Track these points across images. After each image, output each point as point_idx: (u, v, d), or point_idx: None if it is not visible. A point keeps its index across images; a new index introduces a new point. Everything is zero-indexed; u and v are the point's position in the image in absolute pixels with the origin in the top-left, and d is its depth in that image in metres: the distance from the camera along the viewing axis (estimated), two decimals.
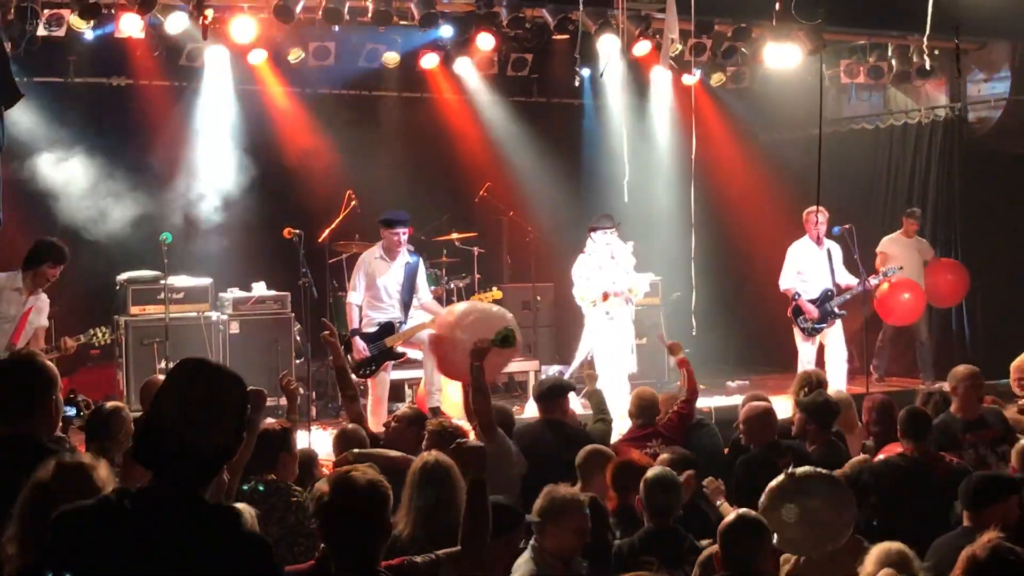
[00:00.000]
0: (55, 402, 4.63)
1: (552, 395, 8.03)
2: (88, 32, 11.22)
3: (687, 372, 8.72)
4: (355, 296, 10.98)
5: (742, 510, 5.25)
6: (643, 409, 8.28)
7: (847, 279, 12.08)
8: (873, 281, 12.10)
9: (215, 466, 3.10)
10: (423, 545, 4.72)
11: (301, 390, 9.45)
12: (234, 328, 12.05)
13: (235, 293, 12.28)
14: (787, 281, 12.19)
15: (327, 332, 8.48)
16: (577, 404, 9.79)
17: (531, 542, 5.38)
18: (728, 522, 5.08)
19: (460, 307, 9.05)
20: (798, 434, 7.60)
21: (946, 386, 8.37)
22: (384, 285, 10.98)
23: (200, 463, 3.03)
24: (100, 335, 9.84)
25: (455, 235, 13.41)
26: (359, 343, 10.74)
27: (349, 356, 10.94)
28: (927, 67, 13.36)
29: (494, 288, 12.37)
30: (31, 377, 4.52)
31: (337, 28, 11.98)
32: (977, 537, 4.76)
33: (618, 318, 11.61)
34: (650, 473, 6.05)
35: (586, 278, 11.63)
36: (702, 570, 5.24)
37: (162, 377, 7.90)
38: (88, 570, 2.93)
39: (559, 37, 12.48)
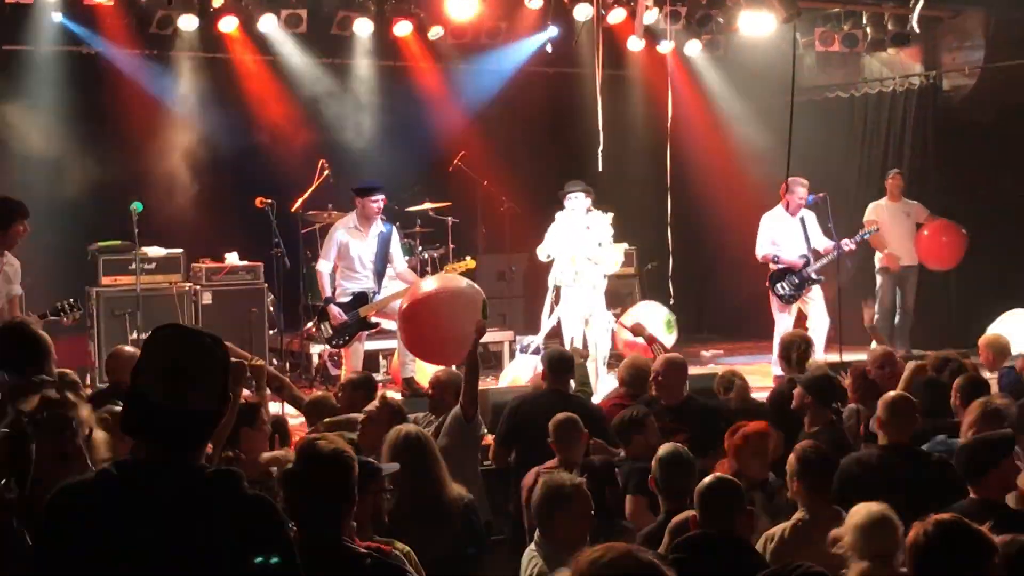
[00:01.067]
0: (50, 372, 4.58)
1: (561, 366, 7.99)
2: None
3: (658, 346, 8.70)
4: (324, 265, 10.93)
5: (720, 473, 5.26)
6: (635, 377, 8.22)
7: (824, 244, 12.04)
8: (849, 245, 12.03)
9: (205, 431, 3.05)
10: (400, 516, 4.69)
11: (275, 360, 9.48)
12: (206, 299, 11.97)
13: (207, 263, 12.20)
14: (763, 248, 12.15)
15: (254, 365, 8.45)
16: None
17: (535, 535, 5.31)
18: (706, 483, 5.11)
19: (429, 285, 9.02)
20: (797, 407, 7.46)
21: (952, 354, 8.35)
22: (359, 255, 10.92)
23: (189, 429, 2.99)
24: (67, 310, 9.71)
25: (429, 205, 13.34)
26: (334, 309, 10.69)
27: (325, 324, 10.89)
28: (914, 27, 13.25)
29: (467, 257, 12.31)
30: (23, 348, 4.46)
31: None
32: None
33: (585, 284, 11.49)
34: (663, 451, 5.95)
35: (553, 242, 11.52)
36: (672, 537, 5.19)
37: (129, 348, 7.90)
38: (89, 545, 2.88)
39: (533, 4, 12.40)
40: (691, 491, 5.48)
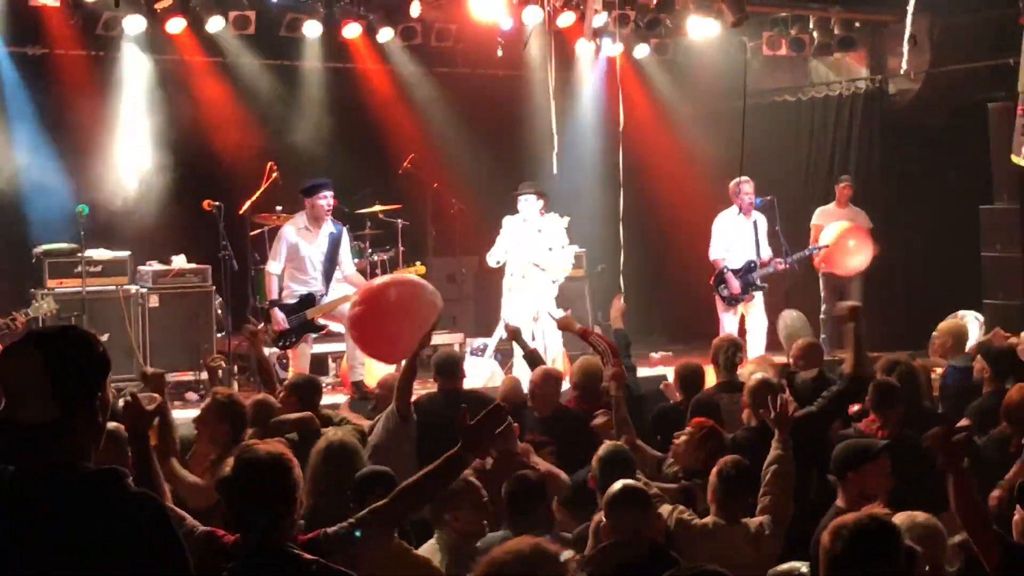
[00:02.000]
0: None
1: (449, 366, 8.12)
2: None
3: (595, 338, 8.68)
4: (275, 266, 10.91)
5: (626, 480, 5.28)
6: (586, 379, 8.23)
7: (767, 252, 12.18)
8: (782, 264, 12.11)
9: (61, 435, 2.92)
10: (324, 520, 4.67)
11: (223, 364, 9.43)
12: (153, 302, 11.87)
13: (154, 266, 12.10)
14: (717, 252, 12.25)
15: (251, 328, 8.59)
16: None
17: (435, 531, 5.37)
18: (613, 492, 5.12)
19: (390, 281, 9.05)
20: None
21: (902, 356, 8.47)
22: (308, 256, 10.90)
23: (35, 442, 2.89)
24: (47, 306, 9.61)
25: (378, 207, 13.31)
26: (278, 314, 10.67)
27: (270, 326, 10.86)
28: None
29: (418, 263, 12.31)
30: None
31: None
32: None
33: (532, 286, 11.55)
34: (603, 450, 6.00)
35: (503, 248, 11.60)
36: (595, 539, 5.21)
37: None
38: None
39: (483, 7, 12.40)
40: None
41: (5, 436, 2.89)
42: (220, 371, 7.50)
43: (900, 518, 4.55)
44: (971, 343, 9.65)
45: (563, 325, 9.23)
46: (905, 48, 11.97)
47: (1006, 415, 7.01)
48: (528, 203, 11.60)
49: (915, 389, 7.73)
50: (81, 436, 2.95)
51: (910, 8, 10.58)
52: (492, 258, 11.64)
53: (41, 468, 2.86)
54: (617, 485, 5.17)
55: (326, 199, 10.87)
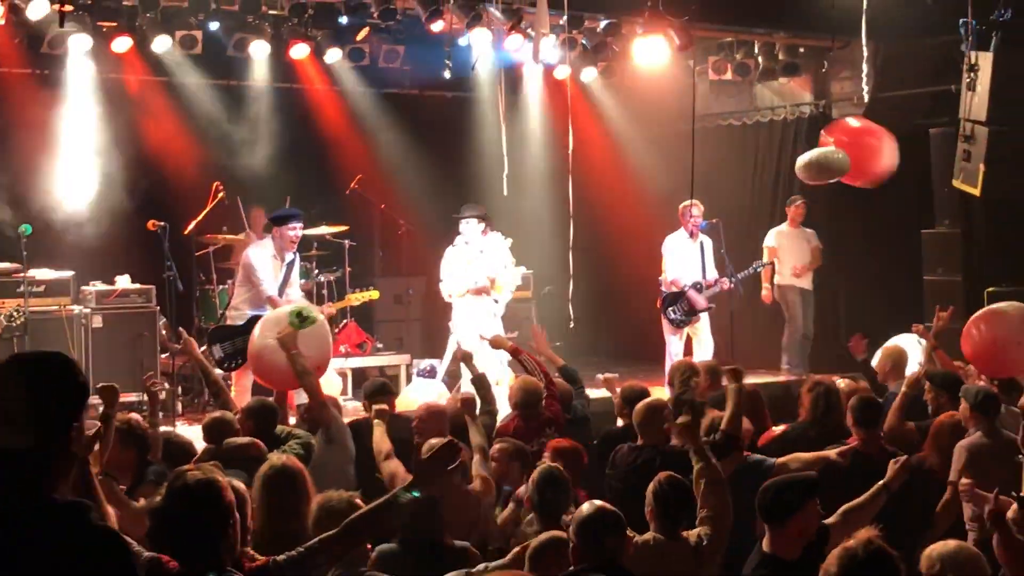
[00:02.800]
0: None
1: (380, 393, 8.14)
2: None
3: (526, 357, 8.70)
4: (274, 287, 10.78)
5: (598, 502, 5.23)
6: (529, 400, 8.22)
7: (713, 274, 12.28)
8: (727, 284, 12.19)
9: (29, 467, 2.90)
10: (269, 545, 4.64)
11: (166, 385, 9.37)
12: (97, 322, 11.76)
13: (98, 286, 11.98)
14: (674, 272, 12.31)
15: (180, 345, 8.55)
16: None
17: None
18: (587, 514, 5.04)
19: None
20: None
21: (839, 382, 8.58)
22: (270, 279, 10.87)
23: (13, 466, 2.87)
24: (16, 315, 9.49)
25: (326, 228, 13.30)
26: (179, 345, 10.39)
27: (215, 347, 10.77)
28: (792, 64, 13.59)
29: (371, 287, 12.27)
30: None
31: (203, 16, 11.78)
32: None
33: (481, 308, 11.59)
34: (539, 471, 6.00)
35: (449, 274, 11.64)
36: (533, 563, 5.16)
37: None
38: None
39: (431, 29, 12.42)
40: (564, 510, 5.69)
41: None
42: (161, 395, 7.41)
43: (937, 548, 4.67)
44: (913, 366, 9.77)
45: (495, 344, 9.24)
46: (864, 70, 12.09)
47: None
48: (469, 226, 11.65)
49: (830, 410, 7.86)
50: (53, 465, 2.93)
51: (863, 32, 10.70)
52: (446, 292, 11.69)
53: (9, 496, 2.83)
54: (588, 506, 5.10)
55: (294, 230, 10.84)
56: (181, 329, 9.77)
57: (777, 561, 5.35)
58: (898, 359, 9.54)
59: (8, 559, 2.79)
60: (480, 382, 8.64)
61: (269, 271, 10.78)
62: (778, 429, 8.09)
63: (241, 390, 10.59)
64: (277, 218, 10.97)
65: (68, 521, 2.86)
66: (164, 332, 11.99)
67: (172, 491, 3.94)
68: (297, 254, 11.28)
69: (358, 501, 4.97)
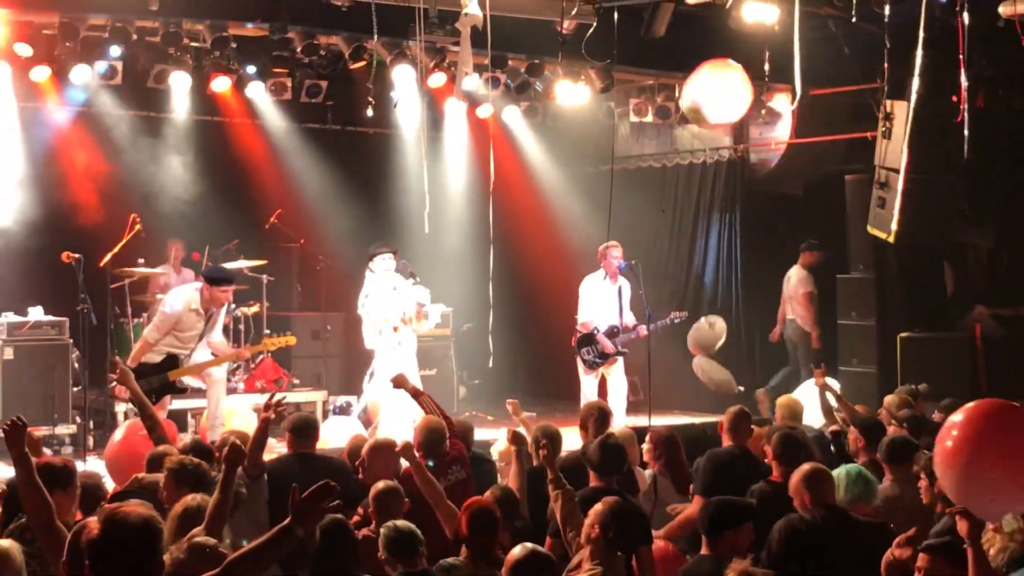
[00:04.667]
0: None
1: (305, 431, 8.02)
2: None
3: (426, 399, 8.67)
4: (154, 336, 10.65)
5: (530, 545, 5.26)
6: (434, 440, 8.16)
7: (630, 318, 12.32)
8: (643, 331, 12.24)
9: None
10: None
11: (78, 418, 9.20)
12: (8, 354, 11.56)
13: (10, 317, 11.79)
14: (586, 314, 12.32)
15: (116, 372, 8.39)
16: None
17: None
18: (517, 558, 5.12)
19: None
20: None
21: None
22: (191, 333, 10.79)
23: None
24: None
25: (244, 263, 13.19)
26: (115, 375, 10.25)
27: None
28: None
29: (288, 333, 12.15)
30: None
31: (124, 48, 11.68)
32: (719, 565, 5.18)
33: (406, 347, 11.55)
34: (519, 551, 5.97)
35: (384, 300, 11.51)
36: None
37: None
38: None
39: (354, 65, 12.43)
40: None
41: None
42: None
43: None
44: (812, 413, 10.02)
45: (397, 383, 9.14)
46: (792, 108, 12.24)
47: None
48: (386, 260, 11.57)
49: None
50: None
51: (797, 77, 10.88)
52: (373, 333, 11.56)
53: None
54: (520, 550, 5.17)
55: (226, 293, 10.84)
56: (117, 359, 9.63)
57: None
58: (795, 410, 9.65)
59: None
60: (418, 398, 8.61)
61: (172, 322, 10.68)
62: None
63: None
64: (215, 279, 10.88)
65: None
66: (76, 365, 11.82)
67: (108, 524, 3.87)
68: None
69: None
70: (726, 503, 6.13)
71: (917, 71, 11.24)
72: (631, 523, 6.00)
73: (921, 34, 10.77)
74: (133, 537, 3.86)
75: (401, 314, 11.43)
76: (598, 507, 5.94)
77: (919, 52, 11.03)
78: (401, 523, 5.93)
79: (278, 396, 7.43)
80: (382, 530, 5.88)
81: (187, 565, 4.67)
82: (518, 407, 9.54)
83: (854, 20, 11.12)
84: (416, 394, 8.76)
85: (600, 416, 8.71)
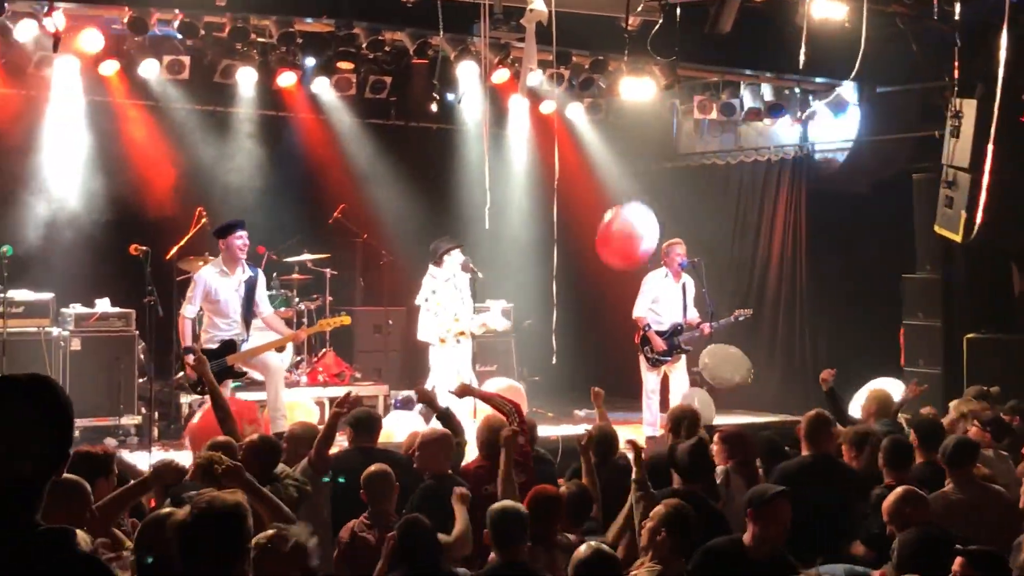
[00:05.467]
0: None
1: (366, 425, 8.11)
2: None
3: (497, 399, 8.64)
4: (190, 310, 10.68)
5: (595, 543, 5.25)
6: (493, 440, 8.14)
7: (694, 315, 12.28)
8: (706, 328, 12.18)
9: (27, 494, 2.86)
10: None
11: (143, 409, 9.28)
12: (75, 345, 11.72)
13: (77, 309, 11.95)
14: (641, 310, 12.34)
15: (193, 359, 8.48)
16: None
17: None
18: (583, 556, 5.10)
19: None
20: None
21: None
22: (226, 300, 10.76)
23: (6, 494, 2.82)
24: None
25: (307, 256, 13.28)
26: (190, 358, 10.45)
27: (183, 373, 10.74)
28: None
29: (343, 313, 12.25)
30: None
31: (191, 42, 11.80)
32: None
33: (463, 344, 11.63)
34: (498, 505, 6.00)
35: (434, 314, 11.60)
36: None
37: None
38: None
39: (418, 61, 12.46)
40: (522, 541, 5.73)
41: None
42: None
43: None
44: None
45: (462, 393, 9.13)
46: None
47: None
48: (455, 255, 11.67)
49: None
50: (42, 493, 2.89)
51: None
52: (432, 327, 11.65)
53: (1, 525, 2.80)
54: (585, 548, 5.17)
55: (241, 238, 10.76)
56: (196, 345, 9.70)
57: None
58: (887, 404, 9.55)
59: None
60: (447, 417, 8.57)
61: (200, 289, 10.68)
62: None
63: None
64: (220, 230, 10.89)
65: (53, 549, 2.82)
66: (142, 357, 11.95)
67: (198, 509, 3.93)
68: (259, 272, 11.21)
69: None
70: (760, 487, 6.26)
71: (1001, 69, 11.01)
72: (693, 528, 5.92)
73: (1004, 33, 10.54)
74: (222, 522, 3.92)
75: (469, 322, 11.54)
76: (659, 509, 5.90)
77: (1003, 49, 10.79)
78: (509, 504, 5.98)
79: (350, 393, 7.52)
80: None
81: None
82: (601, 396, 9.46)
83: (921, 16, 11.00)
84: (486, 398, 8.76)
85: (692, 419, 8.66)
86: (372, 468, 6.87)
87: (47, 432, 2.87)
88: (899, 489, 6.42)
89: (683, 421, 8.61)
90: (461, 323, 11.60)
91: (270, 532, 4.72)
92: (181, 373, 11.40)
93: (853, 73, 10.65)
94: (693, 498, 6.36)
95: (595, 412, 9.66)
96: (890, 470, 7.31)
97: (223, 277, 10.75)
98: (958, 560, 5.08)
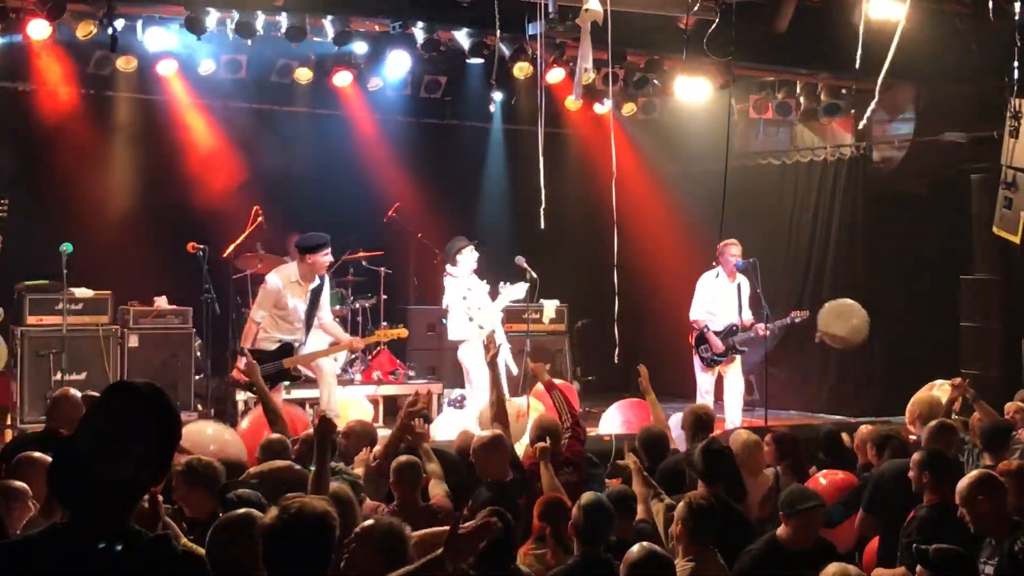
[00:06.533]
0: None
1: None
2: None
3: (557, 393, 8.65)
4: (260, 315, 10.74)
5: (648, 545, 5.26)
6: (546, 436, 8.16)
7: (751, 317, 12.22)
8: (762, 331, 12.09)
9: (135, 497, 2.94)
10: None
11: (199, 406, 9.35)
12: (133, 342, 11.86)
13: (136, 306, 12.08)
14: (697, 313, 12.30)
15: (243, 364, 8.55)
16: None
17: None
18: (635, 558, 5.12)
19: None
20: None
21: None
22: (294, 307, 10.83)
23: (118, 498, 2.88)
24: None
25: (362, 254, 13.34)
26: (242, 364, 10.45)
27: (232, 374, 10.80)
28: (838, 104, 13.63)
29: (401, 326, 12.28)
30: None
31: (250, 42, 11.88)
32: None
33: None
34: (586, 498, 6.01)
35: (478, 308, 11.62)
36: None
37: (74, 392, 7.77)
38: None
39: (474, 61, 12.49)
40: (607, 538, 5.78)
41: (75, 489, 2.87)
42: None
43: None
44: None
45: (536, 371, 9.18)
46: (868, 111, 12.00)
47: None
48: (468, 256, 11.75)
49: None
50: (139, 499, 2.96)
51: (881, 74, 10.63)
52: (463, 324, 11.68)
53: (103, 527, 2.85)
54: (638, 549, 5.18)
55: (327, 255, 10.83)
56: (245, 350, 9.78)
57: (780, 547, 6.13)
58: (932, 406, 9.46)
59: None
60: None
61: (272, 296, 10.73)
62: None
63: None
64: (310, 246, 10.85)
65: (156, 549, 2.90)
66: (198, 354, 12.06)
67: (285, 515, 3.90)
68: (326, 277, 11.26)
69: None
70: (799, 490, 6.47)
71: None
72: (714, 520, 5.98)
73: None
74: (311, 529, 3.87)
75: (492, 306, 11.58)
76: (680, 506, 6.00)
77: None
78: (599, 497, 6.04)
79: (421, 403, 7.57)
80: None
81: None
82: (646, 374, 9.50)
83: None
84: (549, 387, 8.78)
85: (704, 419, 8.61)
86: (402, 458, 6.92)
87: (156, 440, 2.94)
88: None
89: (695, 424, 8.56)
90: (485, 329, 11.50)
91: (365, 523, 4.76)
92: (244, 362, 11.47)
93: (911, 73, 10.61)
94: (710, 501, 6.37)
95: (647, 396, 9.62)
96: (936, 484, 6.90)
97: (296, 287, 10.79)
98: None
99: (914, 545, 5.64)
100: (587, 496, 6.02)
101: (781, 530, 6.17)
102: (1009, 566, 5.70)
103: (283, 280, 10.79)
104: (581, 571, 5.71)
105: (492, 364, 8.84)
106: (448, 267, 11.84)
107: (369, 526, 4.54)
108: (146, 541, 2.89)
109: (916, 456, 6.92)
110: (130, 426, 2.89)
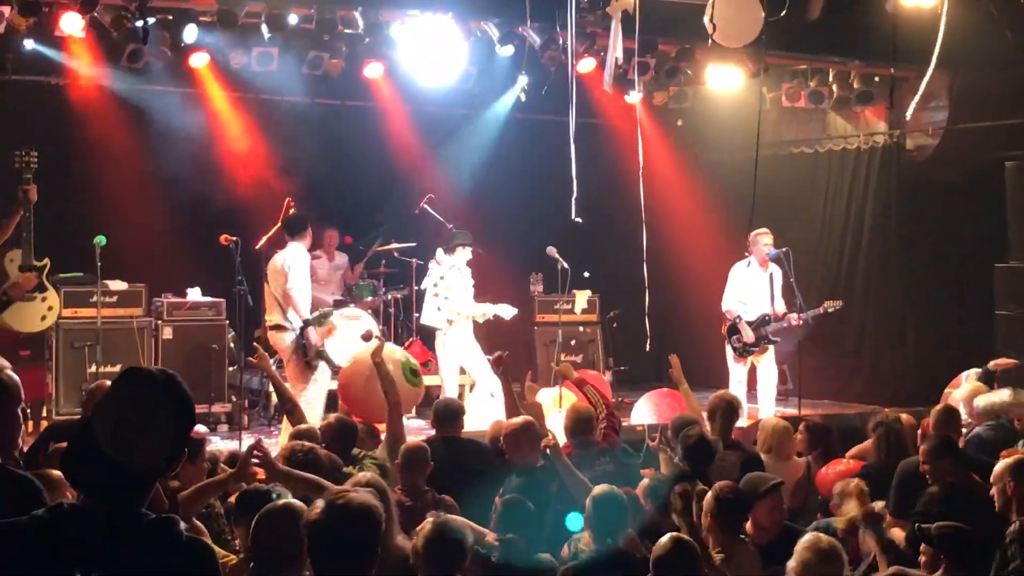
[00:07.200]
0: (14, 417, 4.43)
1: (448, 416, 8.17)
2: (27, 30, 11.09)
3: (589, 388, 8.62)
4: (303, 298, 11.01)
5: (676, 534, 5.26)
6: (581, 426, 8.14)
7: (783, 307, 12.15)
8: (795, 321, 12.02)
9: (150, 483, 2.97)
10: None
11: (233, 397, 9.39)
12: (167, 333, 11.92)
13: (169, 298, 12.15)
14: (729, 303, 12.25)
15: (255, 357, 8.62)
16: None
17: None
18: (663, 547, 5.11)
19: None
20: None
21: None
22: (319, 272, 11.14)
23: (132, 483, 2.91)
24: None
25: (394, 245, 13.37)
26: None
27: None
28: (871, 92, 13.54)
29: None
30: None
31: (280, 35, 11.90)
32: None
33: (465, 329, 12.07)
34: (597, 490, 6.00)
35: (444, 298, 11.76)
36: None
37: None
38: None
39: (504, 50, 12.46)
40: (621, 529, 5.81)
41: (88, 473, 2.90)
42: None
43: None
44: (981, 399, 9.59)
45: (563, 372, 9.22)
46: (915, 102, 11.91)
47: None
48: (465, 253, 11.87)
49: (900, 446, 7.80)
50: (153, 485, 2.98)
51: (932, 64, 10.53)
52: (436, 311, 11.86)
53: (123, 513, 2.88)
54: (667, 539, 5.19)
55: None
56: (257, 344, 9.83)
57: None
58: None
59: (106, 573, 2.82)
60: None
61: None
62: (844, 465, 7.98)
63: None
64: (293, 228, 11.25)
65: (161, 534, 2.91)
66: (232, 345, 12.11)
67: (331, 508, 3.88)
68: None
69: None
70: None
71: None
72: (742, 511, 6.10)
73: None
74: (358, 522, 3.85)
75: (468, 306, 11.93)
76: (708, 498, 6.05)
77: None
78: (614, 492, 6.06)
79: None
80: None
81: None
82: (679, 366, 9.45)
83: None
84: (579, 384, 8.78)
85: (727, 410, 8.55)
86: (411, 444, 6.99)
87: (171, 426, 2.95)
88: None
89: (717, 411, 8.51)
90: (457, 304, 11.73)
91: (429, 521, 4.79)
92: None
93: (945, 60, 10.51)
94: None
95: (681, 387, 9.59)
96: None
97: (314, 259, 11.15)
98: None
99: (915, 524, 5.62)
100: (599, 489, 6.03)
101: (750, 523, 6.26)
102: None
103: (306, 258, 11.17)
104: (597, 564, 5.72)
105: (503, 375, 8.83)
106: (438, 253, 11.90)
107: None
108: (148, 521, 2.91)
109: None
110: (144, 411, 2.91)
